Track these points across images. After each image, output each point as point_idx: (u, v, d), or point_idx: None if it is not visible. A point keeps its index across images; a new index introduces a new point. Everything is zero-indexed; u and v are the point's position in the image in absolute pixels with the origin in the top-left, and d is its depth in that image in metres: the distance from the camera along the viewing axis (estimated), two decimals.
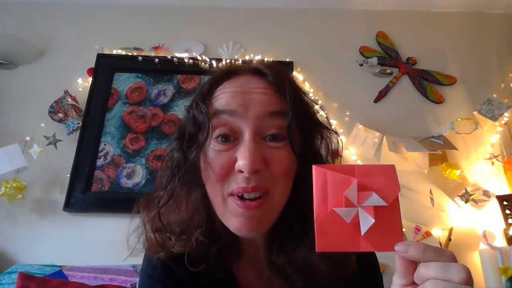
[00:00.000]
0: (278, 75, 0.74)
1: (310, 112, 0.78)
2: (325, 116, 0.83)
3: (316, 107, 0.82)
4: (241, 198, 0.67)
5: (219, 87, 0.74)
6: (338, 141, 0.82)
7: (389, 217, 0.51)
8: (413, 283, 0.51)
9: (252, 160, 0.64)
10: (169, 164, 0.77)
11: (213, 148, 0.69)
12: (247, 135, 0.67)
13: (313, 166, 0.53)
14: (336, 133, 0.82)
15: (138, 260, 0.85)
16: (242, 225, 0.68)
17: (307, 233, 0.71)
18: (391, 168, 0.52)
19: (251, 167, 0.64)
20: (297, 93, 0.75)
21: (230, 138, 0.69)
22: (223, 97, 0.71)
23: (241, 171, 0.66)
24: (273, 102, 0.70)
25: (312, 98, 0.81)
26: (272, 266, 0.77)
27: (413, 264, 0.51)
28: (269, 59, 2.40)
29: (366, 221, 0.49)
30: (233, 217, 0.68)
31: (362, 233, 0.49)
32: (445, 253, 0.49)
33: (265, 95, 0.71)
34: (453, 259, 0.49)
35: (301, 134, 0.72)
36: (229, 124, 0.69)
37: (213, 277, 0.75)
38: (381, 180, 0.51)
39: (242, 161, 0.65)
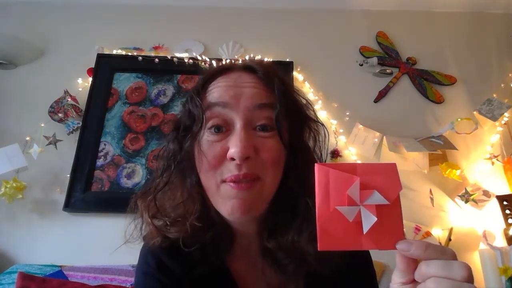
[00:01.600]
0: (267, 71, 0.79)
1: (298, 106, 0.82)
2: (311, 109, 0.86)
3: (305, 101, 0.86)
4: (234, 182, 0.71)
5: (212, 82, 0.78)
6: (324, 134, 0.85)
7: (391, 215, 0.51)
8: (413, 281, 0.51)
9: (242, 146, 0.68)
10: (165, 155, 0.81)
11: (207, 138, 0.73)
12: (238, 125, 0.71)
13: (316, 165, 0.53)
14: (323, 124, 0.85)
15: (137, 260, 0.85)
16: (234, 208, 0.70)
17: (295, 218, 0.75)
18: (393, 167, 0.53)
19: (242, 153, 0.68)
20: (285, 87, 0.78)
21: (223, 129, 0.73)
22: (216, 91, 0.76)
23: (232, 159, 0.69)
24: (262, 95, 0.75)
25: (299, 92, 0.84)
26: (265, 253, 0.79)
27: (413, 263, 0.51)
28: (269, 59, 2.41)
29: (369, 220, 0.49)
30: (226, 200, 0.71)
31: (365, 231, 0.50)
32: (447, 251, 0.50)
33: (255, 89, 0.75)
34: (454, 257, 0.50)
35: (289, 126, 0.77)
36: (221, 115, 0.73)
37: (206, 267, 0.77)
38: (383, 179, 0.52)
39: (233, 149, 0.68)
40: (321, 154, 0.84)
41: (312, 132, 0.83)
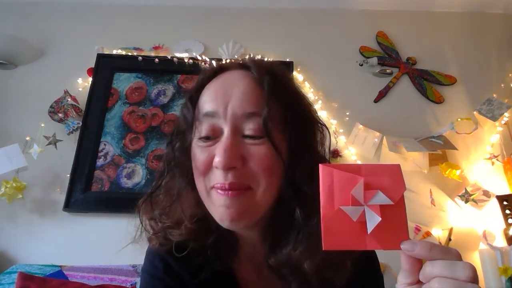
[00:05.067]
0: (259, 68, 0.75)
1: (295, 105, 0.77)
2: (313, 106, 0.83)
3: (312, 102, 0.83)
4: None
5: (207, 84, 0.76)
6: (326, 133, 0.81)
7: (395, 216, 0.51)
8: (418, 281, 0.51)
9: (226, 156, 0.66)
10: (163, 158, 0.81)
11: (197, 143, 0.72)
12: (225, 133, 0.69)
13: (320, 165, 0.53)
14: (324, 125, 0.81)
15: (138, 260, 0.85)
16: (223, 216, 0.68)
17: (292, 231, 0.72)
18: (397, 168, 0.53)
19: (225, 163, 0.66)
20: (279, 85, 0.74)
21: (212, 137, 0.71)
22: (206, 98, 0.73)
23: (217, 167, 0.68)
24: (252, 100, 0.70)
25: (311, 94, 0.82)
26: (270, 265, 0.77)
27: (418, 263, 0.51)
28: (269, 59, 2.40)
29: (373, 220, 0.49)
30: (216, 207, 0.70)
31: (369, 231, 0.49)
32: (451, 251, 0.50)
33: (245, 92, 0.71)
34: (459, 257, 0.49)
35: (285, 128, 0.72)
36: (211, 124, 0.71)
37: (212, 271, 0.76)
38: (387, 179, 0.51)
39: (218, 158, 0.67)
40: (328, 158, 0.81)
41: (314, 133, 0.79)
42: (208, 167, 0.70)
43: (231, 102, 0.70)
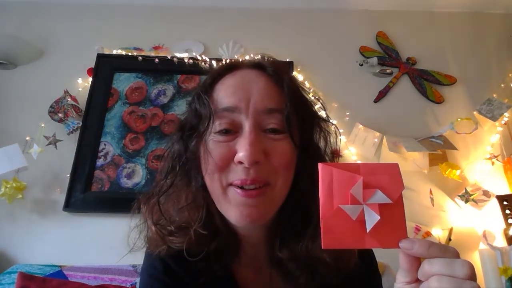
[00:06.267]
0: (276, 68, 0.76)
1: (308, 104, 0.80)
2: (321, 106, 0.85)
3: (314, 100, 0.85)
4: (241, 188, 0.68)
5: (220, 80, 0.76)
6: (335, 133, 0.84)
7: (393, 214, 0.51)
8: (417, 280, 0.51)
9: (252, 151, 0.65)
10: (170, 156, 0.78)
11: (213, 139, 0.70)
12: (247, 128, 0.68)
13: (319, 164, 0.53)
14: (333, 123, 0.83)
15: (138, 260, 0.85)
16: (242, 215, 0.68)
17: (309, 225, 0.72)
18: (395, 167, 0.53)
19: (251, 158, 0.65)
20: (294, 85, 0.77)
21: (231, 131, 0.70)
22: (224, 93, 0.72)
23: (241, 163, 0.66)
24: (272, 97, 0.72)
25: (311, 95, 0.82)
26: (274, 263, 0.77)
27: (417, 261, 0.51)
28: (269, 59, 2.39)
29: (372, 218, 0.49)
30: (233, 207, 0.69)
31: (368, 230, 0.50)
32: (449, 249, 0.50)
33: (264, 89, 0.72)
34: (457, 255, 0.50)
35: (300, 126, 0.74)
36: (230, 119, 0.70)
37: (212, 275, 0.75)
38: (386, 178, 0.52)
39: (242, 153, 0.66)
40: (333, 156, 0.82)
41: (323, 132, 0.81)
42: (227, 163, 0.69)
43: (252, 98, 0.70)
